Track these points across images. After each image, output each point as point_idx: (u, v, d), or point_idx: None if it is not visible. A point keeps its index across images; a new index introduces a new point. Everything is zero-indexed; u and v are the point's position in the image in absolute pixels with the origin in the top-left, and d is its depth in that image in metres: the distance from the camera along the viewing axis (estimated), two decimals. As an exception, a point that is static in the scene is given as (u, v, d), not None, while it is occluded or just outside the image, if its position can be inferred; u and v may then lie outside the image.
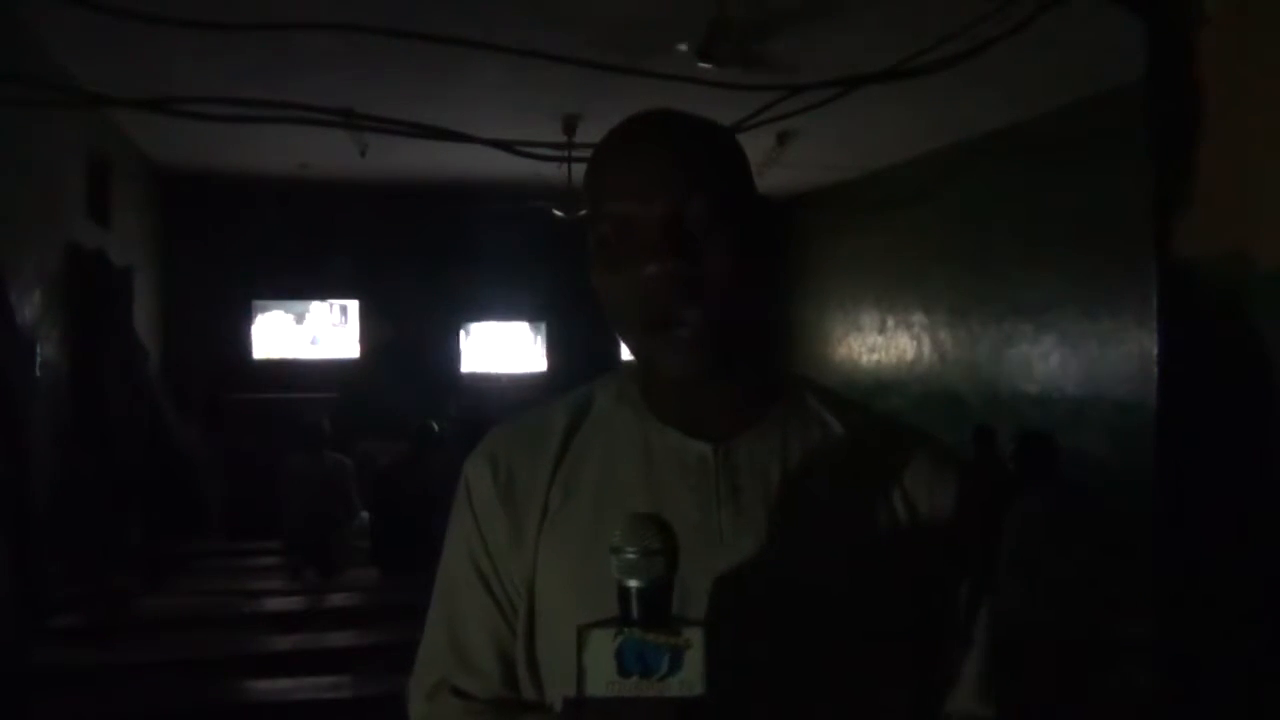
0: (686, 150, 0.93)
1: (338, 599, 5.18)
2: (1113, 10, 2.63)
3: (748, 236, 0.93)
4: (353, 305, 10.11)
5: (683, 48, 4.87)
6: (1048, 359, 6.97)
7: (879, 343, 9.14)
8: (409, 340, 9.93)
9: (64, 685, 3.75)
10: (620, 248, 0.91)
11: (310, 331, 10.13)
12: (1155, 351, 2.44)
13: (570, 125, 6.74)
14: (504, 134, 4.34)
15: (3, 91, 4.08)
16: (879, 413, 1.06)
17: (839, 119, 4.93)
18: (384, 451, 7.01)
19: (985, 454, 6.08)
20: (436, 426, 5.75)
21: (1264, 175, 2.10)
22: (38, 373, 5.28)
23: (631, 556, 0.78)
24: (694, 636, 0.76)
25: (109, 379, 6.29)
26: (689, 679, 0.76)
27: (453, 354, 10.50)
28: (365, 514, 6.08)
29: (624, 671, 0.76)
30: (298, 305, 10.07)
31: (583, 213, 1.00)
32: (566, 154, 5.47)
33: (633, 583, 0.78)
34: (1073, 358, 6.73)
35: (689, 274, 0.88)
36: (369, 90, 5.53)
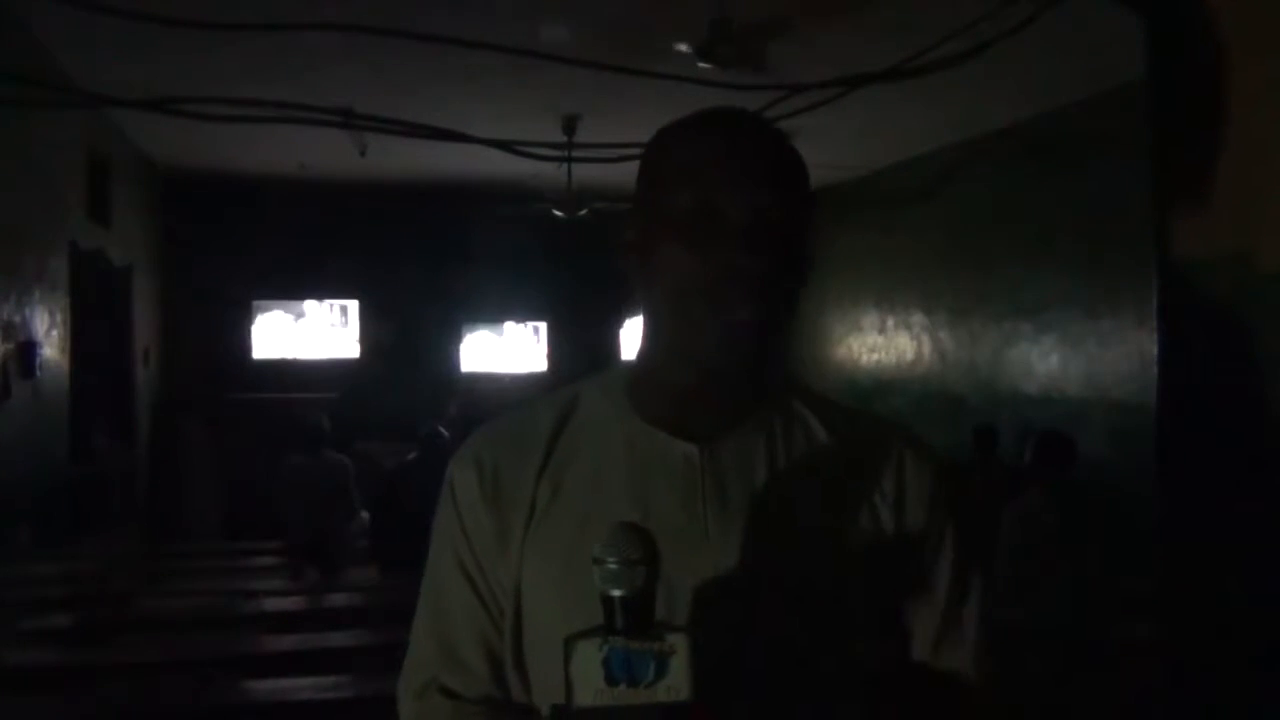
0: (781, 156, 0.96)
1: (338, 599, 5.17)
2: (1113, 10, 2.63)
3: (810, 248, 0.97)
4: (353, 305, 10.11)
5: (683, 48, 4.87)
6: (1048, 359, 6.97)
7: (879, 343, 9.14)
8: (409, 340, 9.94)
9: (64, 685, 3.75)
10: (700, 233, 0.92)
11: (310, 331, 10.14)
12: (1155, 351, 2.44)
13: (570, 125, 6.74)
14: (504, 134, 4.35)
15: (3, 91, 4.08)
16: (861, 410, 1.07)
17: (839, 119, 4.93)
18: (384, 452, 7.00)
19: (985, 453, 6.08)
20: (446, 432, 5.74)
21: (1264, 175, 2.09)
22: (38, 373, 5.28)
23: (613, 567, 0.79)
24: (679, 642, 0.77)
25: (105, 377, 6.29)
26: (676, 684, 0.76)
27: (453, 354, 10.50)
28: (365, 514, 6.08)
29: (611, 680, 0.77)
30: (298, 305, 10.08)
31: (645, 190, 0.99)
32: (566, 154, 5.48)
33: (615, 592, 0.79)
34: (1073, 358, 6.73)
35: (763, 271, 0.90)
36: (369, 90, 5.53)
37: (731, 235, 0.91)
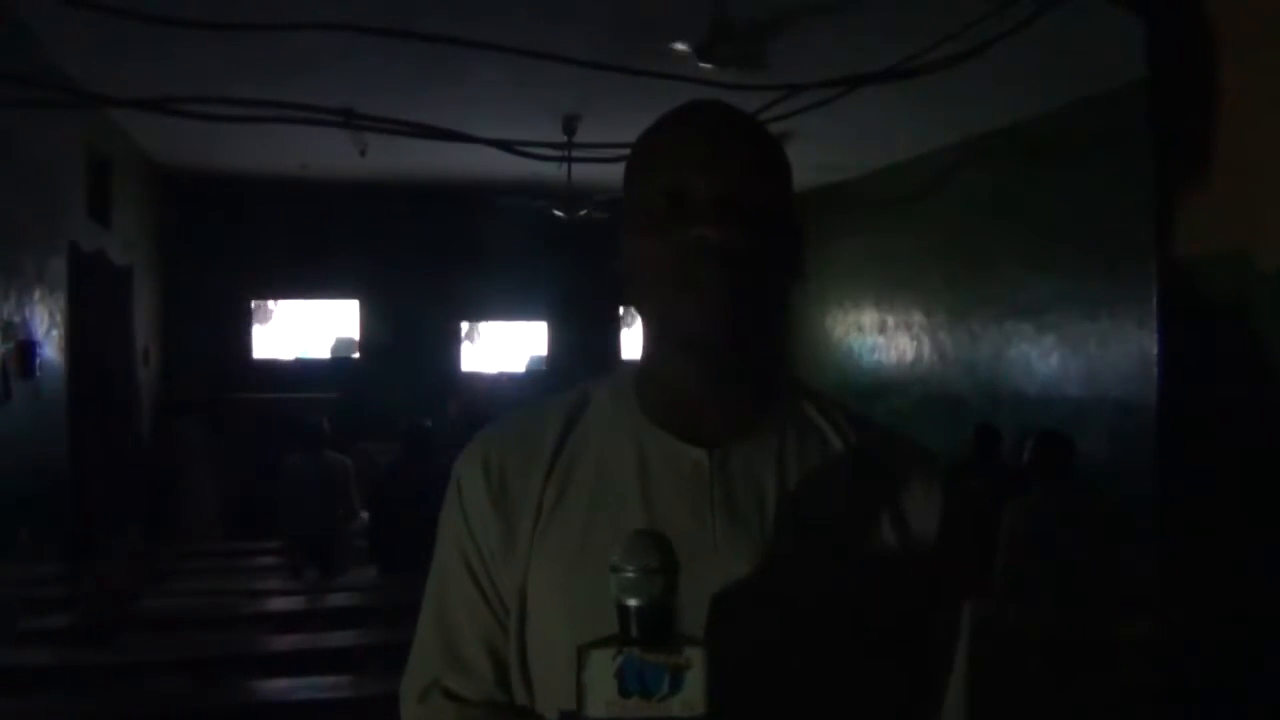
0: (751, 138, 0.97)
1: (338, 599, 5.17)
2: (1113, 10, 2.63)
3: (788, 230, 0.97)
4: (353, 305, 10.11)
5: (683, 48, 4.87)
6: (1048, 359, 6.97)
7: (879, 343, 9.14)
8: (409, 340, 9.94)
9: (64, 685, 3.75)
10: (670, 215, 0.93)
11: (310, 331, 10.14)
12: (1155, 351, 2.44)
13: (570, 125, 6.74)
14: (504, 134, 4.35)
15: (3, 91, 4.08)
16: (873, 420, 1.06)
17: (839, 119, 4.94)
18: (384, 451, 7.00)
19: (987, 453, 6.07)
20: (429, 424, 5.71)
21: (1265, 175, 2.09)
22: (38, 373, 5.27)
23: (631, 575, 0.77)
24: (695, 656, 0.75)
25: (108, 376, 6.28)
26: (690, 699, 0.75)
27: (453, 354, 10.50)
28: (365, 514, 6.08)
29: (624, 692, 0.75)
30: (298, 305, 10.08)
31: (625, 187, 1.00)
32: (566, 154, 5.48)
33: (632, 601, 0.77)
34: (1073, 358, 6.73)
35: (733, 245, 0.90)
36: (369, 90, 5.53)
37: (699, 213, 0.91)
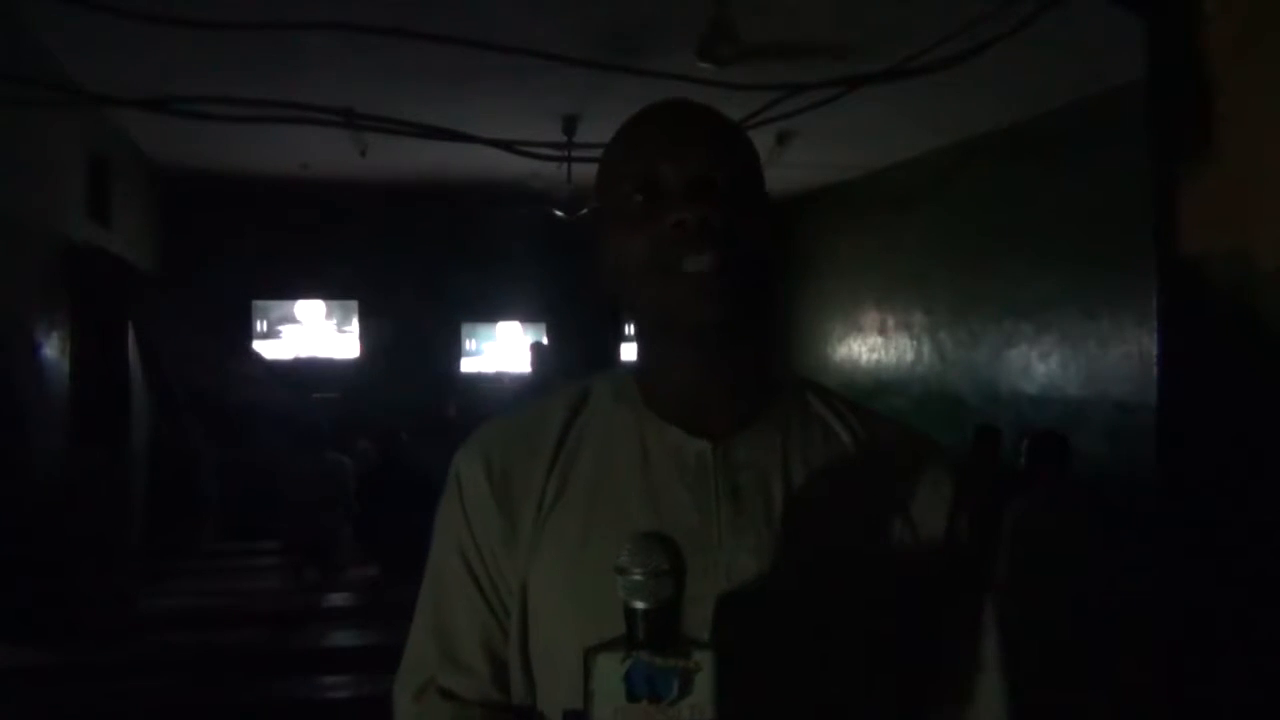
0: (712, 123, 0.98)
1: (338, 599, 5.19)
2: (1113, 10, 2.63)
3: (765, 206, 0.97)
4: (352, 305, 10.11)
5: (682, 48, 4.87)
6: (1048, 359, 6.97)
7: (879, 343, 9.14)
8: (409, 340, 9.94)
9: (65, 684, 3.75)
10: (646, 206, 0.93)
11: (310, 331, 10.14)
12: (1155, 351, 2.44)
13: (570, 125, 6.74)
14: (504, 134, 4.35)
15: (3, 91, 4.08)
16: (878, 413, 1.04)
17: (839, 119, 4.94)
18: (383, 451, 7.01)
19: (987, 453, 6.07)
20: (405, 434, 5.82)
21: (1264, 175, 2.09)
22: (37, 373, 5.27)
23: (639, 578, 0.76)
24: (704, 659, 0.74)
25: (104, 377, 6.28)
26: (699, 703, 0.74)
27: (452, 354, 10.50)
28: (364, 514, 6.10)
29: (632, 696, 0.74)
30: (297, 305, 10.08)
31: (599, 195, 1.00)
32: (566, 154, 5.48)
33: (640, 604, 0.76)
34: (1073, 358, 6.73)
35: (712, 221, 0.90)
36: (369, 90, 5.53)
37: (673, 198, 0.91)
